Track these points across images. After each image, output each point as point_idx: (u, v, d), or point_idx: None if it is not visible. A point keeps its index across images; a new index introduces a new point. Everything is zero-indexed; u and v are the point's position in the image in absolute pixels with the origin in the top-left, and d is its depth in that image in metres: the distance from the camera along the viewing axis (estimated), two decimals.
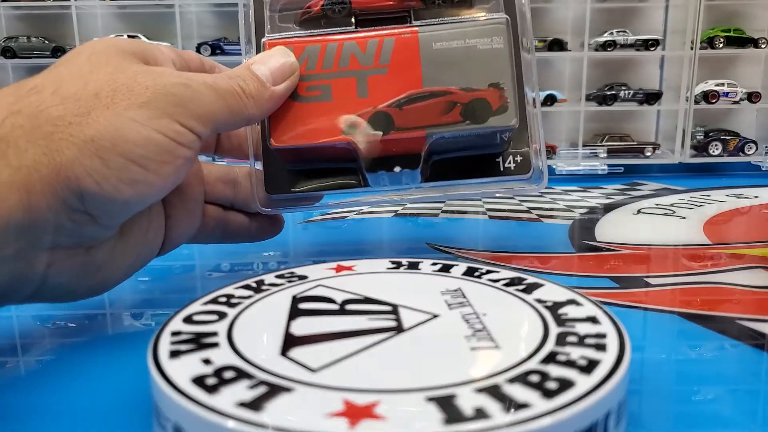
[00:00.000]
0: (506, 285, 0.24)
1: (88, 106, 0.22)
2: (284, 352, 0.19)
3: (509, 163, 0.31)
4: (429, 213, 0.51)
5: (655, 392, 0.22)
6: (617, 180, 0.65)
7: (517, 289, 0.23)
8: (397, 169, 0.30)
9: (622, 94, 0.70)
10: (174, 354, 0.19)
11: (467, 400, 0.16)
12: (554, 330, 0.20)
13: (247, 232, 0.34)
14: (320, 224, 0.49)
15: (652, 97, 0.71)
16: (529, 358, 0.18)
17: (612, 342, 0.18)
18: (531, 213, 0.51)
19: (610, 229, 0.46)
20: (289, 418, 0.15)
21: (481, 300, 0.23)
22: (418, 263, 0.27)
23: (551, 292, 0.23)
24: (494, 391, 0.16)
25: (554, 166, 0.67)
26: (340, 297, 0.23)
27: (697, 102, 0.68)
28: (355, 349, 0.19)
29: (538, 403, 0.15)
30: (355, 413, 0.15)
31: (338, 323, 0.21)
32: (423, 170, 0.31)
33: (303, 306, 0.23)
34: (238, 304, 0.23)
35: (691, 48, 0.67)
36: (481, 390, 0.16)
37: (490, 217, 0.50)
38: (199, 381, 0.17)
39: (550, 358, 0.18)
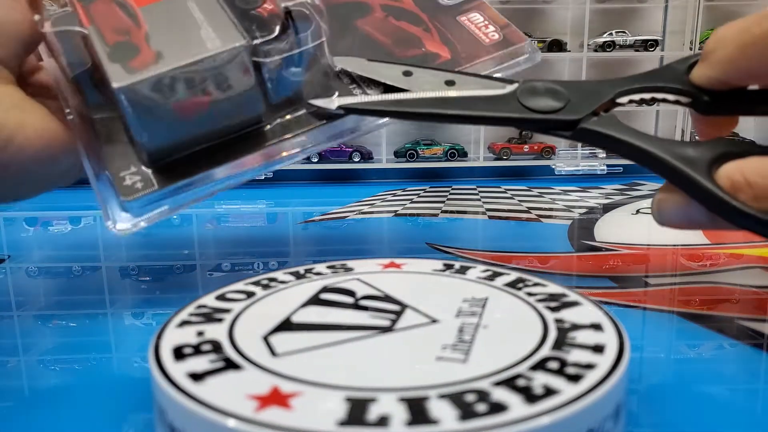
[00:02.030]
0: (539, 300, 0.23)
1: None
2: (268, 335, 0.20)
3: (128, 176, 0.27)
4: (429, 213, 0.52)
5: (653, 391, 0.23)
6: (616, 180, 0.66)
7: (548, 306, 0.22)
8: None
9: None
10: (181, 324, 0.20)
11: (381, 406, 0.15)
12: (543, 352, 0.18)
13: None
14: (320, 224, 0.49)
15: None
16: (486, 376, 0.17)
17: (593, 375, 0.17)
18: (530, 213, 0.51)
19: (609, 229, 0.46)
20: (213, 392, 0.16)
21: (498, 312, 0.22)
22: (468, 268, 0.26)
23: (580, 313, 0.21)
24: (415, 403, 0.16)
25: (553, 166, 0.67)
26: (362, 292, 0.23)
27: None
28: (328, 341, 0.19)
29: (450, 421, 0.15)
30: (270, 400, 0.16)
31: (339, 316, 0.21)
32: None
33: (323, 296, 0.23)
34: (272, 287, 0.24)
35: (690, 48, 0.67)
36: (404, 399, 0.16)
37: (490, 217, 0.50)
38: (177, 349, 0.18)
39: (508, 381, 0.17)
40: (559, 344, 0.19)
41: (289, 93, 0.29)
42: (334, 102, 0.28)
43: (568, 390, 0.16)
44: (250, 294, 0.23)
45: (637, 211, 0.51)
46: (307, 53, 0.28)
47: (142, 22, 0.27)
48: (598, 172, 0.67)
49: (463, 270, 0.26)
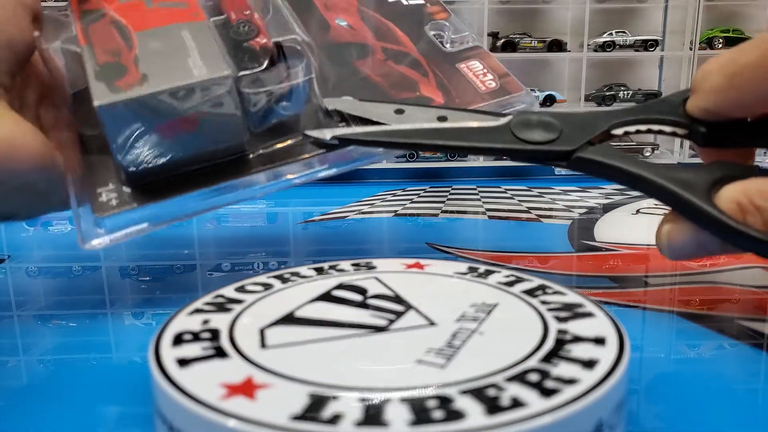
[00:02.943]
0: (551, 309, 0.22)
1: None
2: (266, 327, 0.20)
3: (105, 192, 0.28)
4: (429, 213, 0.52)
5: (653, 391, 0.23)
6: None
7: (557, 317, 0.21)
8: None
9: (621, 94, 0.70)
10: (192, 312, 0.21)
11: (340, 405, 0.15)
12: (528, 363, 0.18)
13: None
14: (320, 224, 0.49)
15: (651, 98, 0.71)
16: (458, 383, 0.17)
17: (571, 391, 0.16)
18: (530, 213, 0.51)
19: (609, 229, 0.46)
20: (191, 377, 0.17)
21: (502, 320, 0.21)
22: (491, 272, 0.26)
23: (589, 326, 0.20)
24: (374, 404, 0.15)
25: (553, 166, 0.67)
26: (374, 291, 0.23)
27: None
28: (320, 337, 0.19)
29: (399, 425, 0.15)
30: (240, 389, 0.16)
31: (341, 313, 0.21)
32: None
33: (335, 293, 0.23)
34: (292, 281, 0.24)
35: (690, 48, 0.67)
36: (364, 399, 0.16)
37: (490, 217, 0.50)
38: (178, 336, 0.19)
39: (477, 390, 0.16)
40: (549, 356, 0.18)
41: (275, 124, 0.29)
42: (328, 132, 0.28)
43: (536, 404, 0.15)
44: (267, 286, 0.24)
45: (637, 211, 0.51)
46: (295, 87, 0.29)
47: (135, 45, 0.27)
48: None
49: (486, 274, 0.25)
